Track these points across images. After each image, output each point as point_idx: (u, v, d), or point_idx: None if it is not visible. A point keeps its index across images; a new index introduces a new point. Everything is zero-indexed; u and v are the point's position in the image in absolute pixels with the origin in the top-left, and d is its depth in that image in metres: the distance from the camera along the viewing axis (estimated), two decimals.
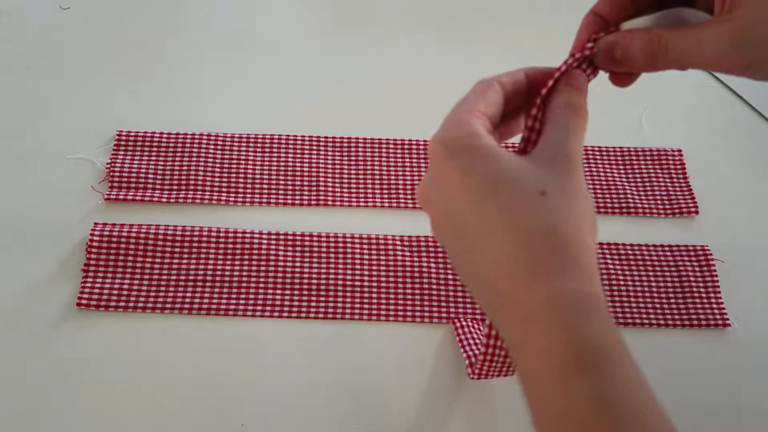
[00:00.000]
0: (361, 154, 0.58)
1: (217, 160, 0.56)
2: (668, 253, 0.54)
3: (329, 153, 0.58)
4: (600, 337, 0.28)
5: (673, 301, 0.52)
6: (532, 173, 0.30)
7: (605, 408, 0.26)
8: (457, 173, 0.30)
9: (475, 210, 0.30)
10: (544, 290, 0.28)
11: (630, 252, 0.54)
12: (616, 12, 0.36)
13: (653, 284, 0.52)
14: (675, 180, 0.58)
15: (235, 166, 0.56)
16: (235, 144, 0.58)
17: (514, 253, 0.29)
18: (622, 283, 0.52)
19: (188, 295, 0.50)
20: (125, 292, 0.50)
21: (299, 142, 0.58)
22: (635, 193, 0.57)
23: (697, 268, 0.53)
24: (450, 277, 0.52)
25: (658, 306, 0.51)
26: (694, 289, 0.52)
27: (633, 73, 0.36)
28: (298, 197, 0.55)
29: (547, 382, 0.28)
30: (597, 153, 0.59)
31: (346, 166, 0.57)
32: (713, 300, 0.52)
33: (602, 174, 0.58)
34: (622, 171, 0.58)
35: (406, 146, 0.59)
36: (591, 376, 0.27)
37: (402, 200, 0.56)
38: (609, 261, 0.53)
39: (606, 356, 0.27)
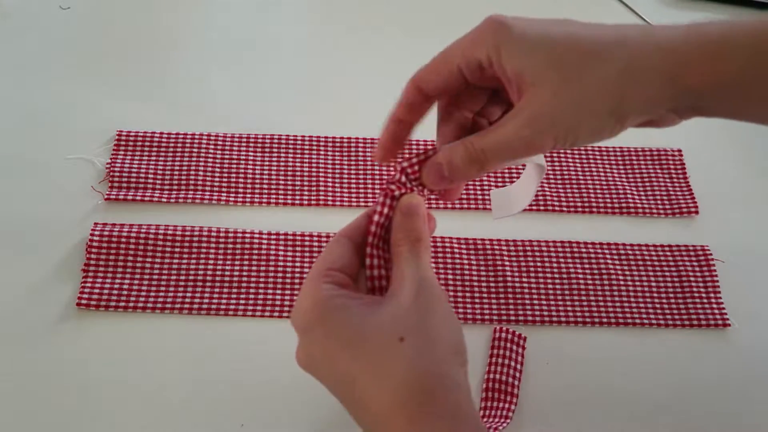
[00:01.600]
0: (360, 154, 0.58)
1: (217, 160, 0.56)
2: (668, 253, 0.54)
3: (329, 153, 0.58)
4: None
5: (673, 301, 0.52)
6: (387, 322, 0.31)
7: None
8: (321, 338, 0.32)
9: (346, 371, 0.32)
10: None
11: (630, 252, 0.54)
12: (416, 113, 0.38)
13: (653, 284, 0.52)
14: (675, 180, 0.58)
15: (235, 166, 0.56)
16: (235, 144, 0.58)
17: (389, 407, 0.30)
18: (622, 283, 0.52)
19: (188, 295, 0.50)
20: (125, 292, 0.50)
21: (299, 142, 0.58)
22: (635, 193, 0.57)
23: (697, 268, 0.53)
24: (450, 277, 0.52)
25: (658, 306, 0.51)
26: (694, 289, 0.52)
27: (454, 188, 0.37)
28: (298, 197, 0.55)
29: None
30: (597, 153, 0.59)
31: (345, 166, 0.57)
32: (713, 300, 0.52)
33: (602, 174, 0.58)
34: (622, 171, 0.58)
35: (406, 146, 0.58)
36: None
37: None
38: (609, 261, 0.53)
39: None
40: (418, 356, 0.31)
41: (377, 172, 0.57)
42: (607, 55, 0.32)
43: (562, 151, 0.59)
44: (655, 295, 0.52)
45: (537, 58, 0.32)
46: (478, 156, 0.34)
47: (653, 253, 0.54)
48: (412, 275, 0.33)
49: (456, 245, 0.53)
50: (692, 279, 0.53)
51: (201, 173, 0.56)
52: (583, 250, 0.54)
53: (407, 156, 0.36)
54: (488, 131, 0.34)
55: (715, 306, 0.51)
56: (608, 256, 0.53)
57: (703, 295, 0.52)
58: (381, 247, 0.35)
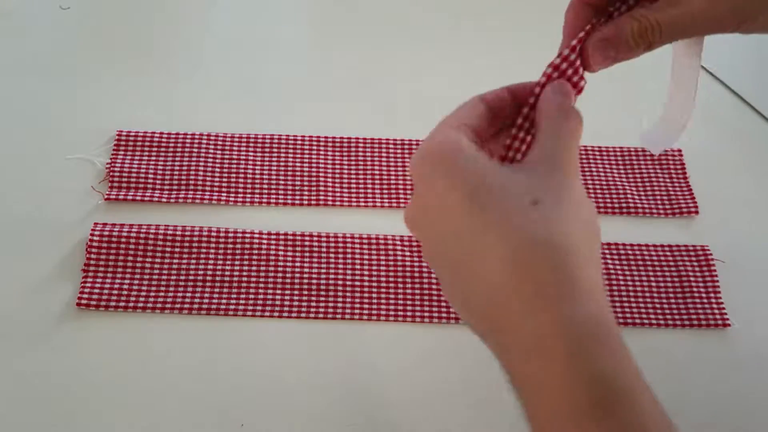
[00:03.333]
0: (360, 154, 0.58)
1: (217, 160, 0.56)
2: (668, 253, 0.54)
3: (329, 153, 0.58)
4: (616, 372, 0.25)
5: (673, 301, 0.52)
6: (522, 181, 0.28)
7: None
8: (441, 188, 0.29)
9: (463, 227, 0.28)
10: (547, 317, 0.25)
11: (630, 252, 0.54)
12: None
13: (653, 284, 0.52)
14: (675, 180, 0.58)
15: (235, 166, 0.56)
16: (235, 144, 0.58)
17: (509, 274, 0.26)
18: (622, 283, 0.52)
19: (188, 295, 0.50)
20: (125, 292, 0.50)
21: (299, 142, 0.58)
22: (635, 193, 0.57)
23: (697, 268, 0.53)
24: None
25: (658, 306, 0.51)
26: (694, 289, 0.52)
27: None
28: (298, 197, 0.55)
29: (557, 429, 0.25)
30: (597, 153, 0.59)
31: (346, 166, 0.57)
32: (713, 300, 0.52)
33: (602, 174, 0.58)
34: (623, 171, 0.58)
35: (406, 146, 0.59)
36: (609, 423, 0.24)
37: (402, 200, 0.56)
38: (609, 261, 0.53)
39: (625, 396, 0.25)
40: (553, 219, 0.27)
41: (377, 172, 0.57)
42: None
43: None
44: (655, 295, 0.52)
45: None
46: (654, 29, 0.31)
47: (653, 253, 0.54)
48: (552, 148, 0.29)
49: None
50: (692, 279, 0.53)
51: (201, 173, 0.56)
52: None
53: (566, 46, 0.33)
54: (666, 5, 0.32)
55: (715, 306, 0.51)
56: (608, 256, 0.53)
57: (703, 295, 0.52)
58: (525, 116, 0.32)
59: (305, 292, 0.51)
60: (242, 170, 0.56)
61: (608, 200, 0.57)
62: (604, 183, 0.57)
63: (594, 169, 0.58)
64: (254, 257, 0.52)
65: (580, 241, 0.27)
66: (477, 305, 0.28)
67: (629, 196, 0.57)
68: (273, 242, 0.53)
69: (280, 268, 0.51)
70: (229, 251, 0.52)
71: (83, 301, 0.49)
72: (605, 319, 0.26)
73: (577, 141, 0.30)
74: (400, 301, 0.51)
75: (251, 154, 0.57)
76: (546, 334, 0.25)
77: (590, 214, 0.29)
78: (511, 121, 0.33)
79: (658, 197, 0.57)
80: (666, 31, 0.32)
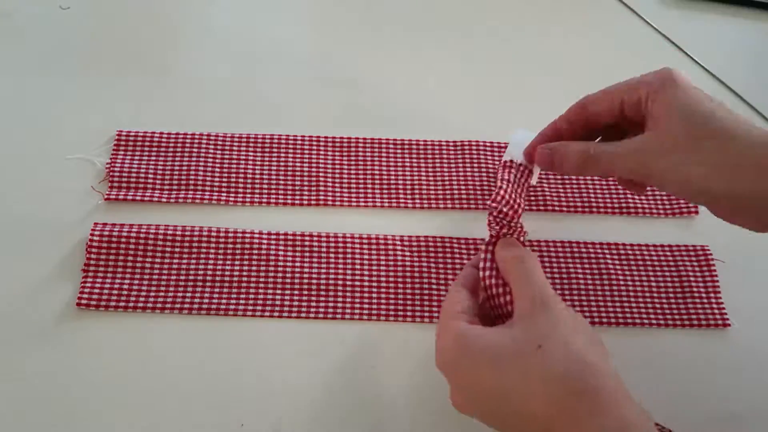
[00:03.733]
0: (361, 154, 0.58)
1: (217, 160, 0.57)
2: (668, 253, 0.54)
3: (329, 153, 0.58)
4: None
5: (673, 301, 0.52)
6: (521, 335, 0.35)
7: None
8: (468, 372, 0.36)
9: (498, 390, 0.35)
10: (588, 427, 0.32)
11: (630, 252, 0.54)
12: (570, 128, 0.43)
13: (653, 284, 0.52)
14: None
15: (235, 166, 0.56)
16: (235, 144, 0.58)
17: (547, 407, 0.33)
18: (622, 283, 0.52)
19: (188, 295, 0.50)
20: (125, 292, 0.50)
21: (299, 142, 0.58)
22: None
23: (697, 268, 0.53)
24: (450, 277, 0.52)
25: (658, 306, 0.51)
26: (694, 289, 0.52)
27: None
28: (298, 197, 0.55)
29: None
30: None
31: (346, 166, 0.57)
32: (713, 300, 0.52)
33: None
34: None
35: (405, 146, 0.59)
36: None
37: (402, 200, 0.56)
38: (609, 261, 0.53)
39: None
40: (560, 355, 0.34)
41: (377, 172, 0.57)
42: (726, 150, 0.37)
43: None
44: (655, 295, 0.52)
45: (679, 117, 0.38)
46: (589, 160, 0.40)
47: (653, 253, 0.54)
48: (528, 292, 0.37)
49: (456, 245, 0.53)
50: (692, 279, 0.53)
51: (201, 173, 0.56)
52: (583, 250, 0.54)
53: (497, 203, 0.41)
54: (608, 144, 0.40)
55: (715, 306, 0.51)
56: (608, 256, 0.53)
57: (703, 295, 0.52)
58: (495, 284, 0.40)
59: (305, 292, 0.51)
60: (242, 170, 0.56)
61: (608, 200, 0.57)
62: (604, 183, 0.57)
63: None
64: (254, 257, 0.52)
65: (592, 359, 0.34)
66: None
67: (629, 196, 0.57)
68: (273, 242, 0.53)
69: (280, 268, 0.51)
70: (229, 251, 0.52)
71: (83, 301, 0.49)
72: (636, 425, 0.32)
73: (539, 270, 0.38)
74: (400, 301, 0.51)
75: (251, 154, 0.57)
76: None
77: (584, 329, 0.36)
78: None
79: (658, 197, 0.57)
80: (602, 164, 0.40)
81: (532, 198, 0.56)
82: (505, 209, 0.41)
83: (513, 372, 0.34)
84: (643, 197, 0.57)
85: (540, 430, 0.34)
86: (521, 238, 0.42)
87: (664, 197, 0.57)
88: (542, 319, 0.35)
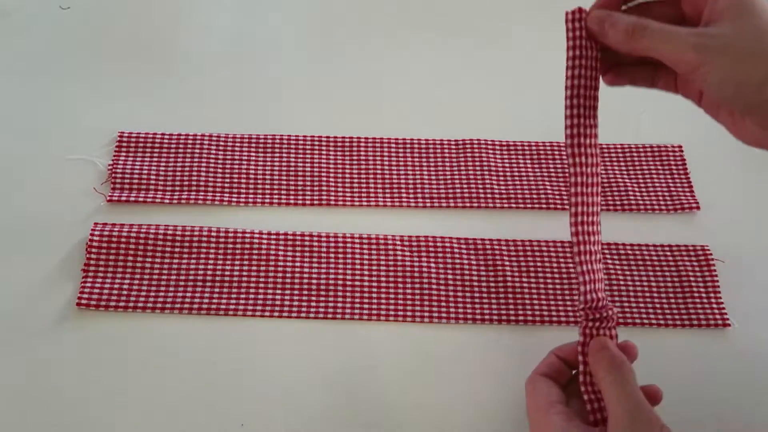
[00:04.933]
0: (362, 153, 0.58)
1: (219, 161, 0.57)
2: (668, 253, 0.54)
3: (330, 153, 0.58)
4: None
5: (673, 301, 0.52)
6: None
7: None
8: None
9: None
10: None
11: (630, 252, 0.54)
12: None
13: (653, 284, 0.52)
14: (676, 176, 0.58)
15: (236, 166, 0.56)
16: (236, 144, 0.58)
17: None
18: (622, 283, 0.52)
19: (188, 295, 0.50)
20: (125, 292, 0.50)
21: (300, 142, 0.58)
22: (636, 189, 0.57)
23: (697, 268, 0.53)
24: (450, 277, 0.52)
25: (658, 306, 0.51)
26: (694, 289, 0.52)
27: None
28: (300, 197, 0.55)
29: None
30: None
31: (347, 166, 0.57)
32: (713, 300, 0.52)
33: (603, 172, 0.58)
34: (624, 168, 0.58)
35: (407, 145, 0.59)
36: None
37: (403, 200, 0.56)
38: (609, 261, 0.53)
39: None
40: None
41: (378, 172, 0.57)
42: None
43: (563, 146, 0.59)
44: (655, 295, 0.52)
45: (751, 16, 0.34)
46: (641, 25, 0.35)
47: (653, 252, 0.54)
48: (623, 406, 0.36)
49: (456, 245, 0.53)
50: (692, 279, 0.52)
51: (203, 174, 0.56)
52: None
53: (586, 307, 0.40)
54: (663, 24, 0.35)
55: (715, 306, 0.51)
56: (608, 256, 0.53)
57: (703, 295, 0.52)
58: (590, 382, 0.40)
59: (305, 292, 0.51)
60: (243, 171, 0.56)
61: (609, 198, 0.57)
62: (605, 181, 0.57)
63: None
64: (254, 257, 0.52)
65: None
66: None
67: (630, 193, 0.57)
68: (273, 242, 0.53)
69: (280, 268, 0.51)
70: (229, 251, 0.52)
71: (83, 301, 0.49)
72: None
73: (634, 380, 0.38)
74: (400, 301, 0.51)
75: (252, 154, 0.57)
76: None
77: None
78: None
79: (659, 194, 0.57)
80: (648, 37, 0.36)
81: (533, 197, 0.56)
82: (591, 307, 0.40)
83: None
84: (644, 194, 0.57)
85: None
86: (612, 331, 0.41)
87: (665, 193, 0.57)
88: None
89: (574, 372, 0.42)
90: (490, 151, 0.58)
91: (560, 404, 0.39)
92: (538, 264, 0.53)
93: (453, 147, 0.58)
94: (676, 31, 0.35)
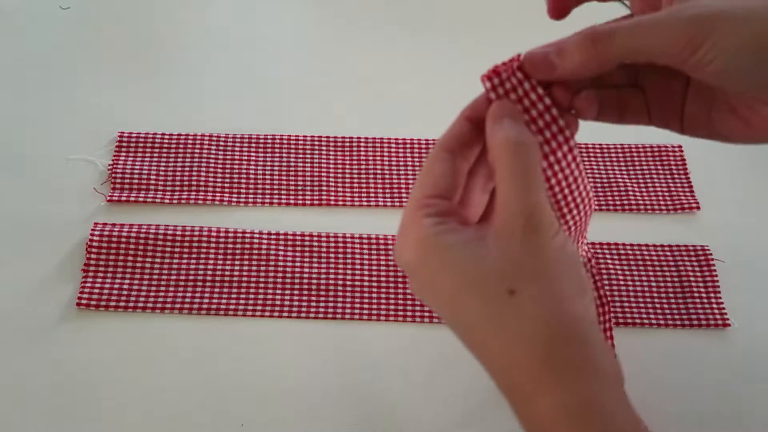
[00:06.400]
0: (363, 153, 0.58)
1: (219, 161, 0.57)
2: (668, 253, 0.54)
3: (330, 153, 0.58)
4: None
5: (673, 301, 0.52)
6: (494, 270, 0.28)
7: None
8: (426, 286, 0.30)
9: (461, 317, 0.29)
10: (542, 409, 0.27)
11: (630, 252, 0.54)
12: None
13: (653, 284, 0.52)
14: (676, 176, 0.58)
15: (237, 166, 0.56)
16: (237, 144, 0.58)
17: (511, 361, 0.28)
18: (622, 283, 0.52)
19: (188, 295, 0.50)
20: (125, 292, 0.50)
21: (300, 142, 0.58)
22: (636, 189, 0.57)
23: (697, 268, 0.53)
24: None
25: (658, 306, 0.51)
26: (694, 289, 0.52)
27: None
28: (300, 197, 0.55)
29: None
30: (598, 150, 0.59)
31: (348, 166, 0.57)
32: (713, 300, 0.52)
33: (603, 172, 0.58)
34: (623, 168, 0.58)
35: (407, 145, 0.59)
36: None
37: (403, 200, 0.56)
38: (609, 261, 0.53)
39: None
40: (535, 308, 0.27)
41: (378, 172, 0.57)
42: None
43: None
44: (655, 295, 0.52)
45: None
46: (602, 38, 0.29)
47: (653, 252, 0.54)
48: (516, 205, 0.28)
49: None
50: (692, 279, 0.52)
51: (203, 174, 0.56)
52: None
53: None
54: (629, 19, 0.29)
55: (715, 306, 0.51)
56: (608, 256, 0.53)
57: (703, 295, 0.52)
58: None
59: (305, 292, 0.51)
60: (244, 171, 0.56)
61: (609, 198, 0.57)
62: (605, 181, 0.57)
63: (595, 167, 0.58)
64: (254, 257, 0.52)
65: (568, 317, 0.27)
66: (491, 372, 0.30)
67: (630, 193, 0.57)
68: (273, 242, 0.53)
69: (280, 268, 0.51)
70: (229, 251, 0.52)
71: (83, 301, 0.49)
72: (603, 407, 0.27)
73: (536, 168, 0.29)
74: (400, 301, 0.51)
75: (252, 154, 0.57)
76: (547, 419, 0.27)
77: (574, 274, 0.29)
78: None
79: (659, 193, 0.57)
80: (619, 41, 0.29)
81: None
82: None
83: (479, 313, 0.28)
84: (644, 194, 0.57)
85: (497, 370, 0.29)
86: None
87: (665, 193, 0.57)
88: (525, 248, 0.28)
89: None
90: None
91: (442, 198, 0.30)
92: None
93: None
94: (654, 15, 0.28)
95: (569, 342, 0.27)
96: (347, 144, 0.58)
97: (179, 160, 0.56)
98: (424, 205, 0.30)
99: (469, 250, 0.28)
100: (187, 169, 0.56)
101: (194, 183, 0.55)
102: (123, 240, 0.51)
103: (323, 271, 0.52)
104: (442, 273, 0.29)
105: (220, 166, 0.56)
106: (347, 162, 0.57)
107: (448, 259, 0.29)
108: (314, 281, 0.51)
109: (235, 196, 0.55)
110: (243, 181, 0.56)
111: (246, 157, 0.57)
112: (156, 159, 0.56)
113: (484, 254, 0.28)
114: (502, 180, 0.29)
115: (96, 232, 0.51)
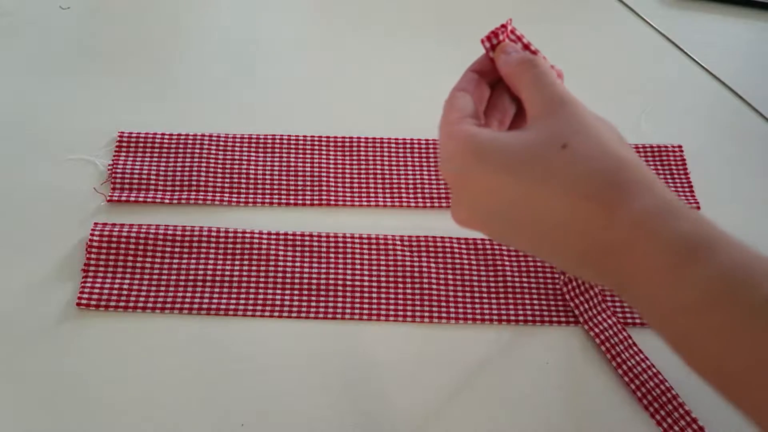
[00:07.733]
0: (363, 153, 0.58)
1: (219, 161, 0.57)
2: None
3: (330, 153, 0.58)
4: (700, 229, 0.28)
5: None
6: (544, 135, 0.31)
7: (724, 288, 0.26)
8: (480, 177, 0.32)
9: (520, 197, 0.31)
10: (626, 216, 0.28)
11: None
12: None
13: None
14: (676, 176, 0.58)
15: (237, 166, 0.56)
16: (236, 144, 0.58)
17: (574, 208, 0.29)
18: None
19: (188, 295, 0.50)
20: (125, 292, 0.50)
21: (300, 142, 0.58)
22: None
23: None
24: (450, 277, 0.52)
25: None
26: None
27: None
28: (300, 197, 0.55)
29: (657, 281, 0.28)
30: None
31: (348, 166, 0.57)
32: None
33: None
34: None
35: (408, 145, 0.59)
36: (703, 262, 0.27)
37: (404, 200, 0.56)
38: None
39: (713, 241, 0.27)
40: (592, 152, 0.30)
41: (378, 172, 0.57)
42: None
43: None
44: None
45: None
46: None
47: None
48: (541, 94, 0.33)
49: (456, 245, 0.53)
50: None
51: (203, 174, 0.56)
52: None
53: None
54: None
55: None
56: None
57: None
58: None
59: (305, 292, 0.51)
60: (244, 170, 0.56)
61: None
62: None
63: None
64: (254, 257, 0.52)
65: (619, 153, 0.30)
66: (564, 249, 0.31)
67: None
68: (273, 242, 0.53)
69: (280, 268, 0.51)
70: (229, 251, 0.52)
71: (83, 301, 0.49)
72: (672, 202, 0.29)
73: (553, 75, 0.33)
74: (400, 301, 0.51)
75: (252, 154, 0.57)
76: (629, 228, 0.28)
77: (608, 127, 0.32)
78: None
79: None
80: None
81: None
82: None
83: (536, 177, 0.30)
84: None
85: (567, 232, 0.30)
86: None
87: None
88: (563, 116, 0.31)
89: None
90: None
91: (474, 117, 0.34)
92: (538, 264, 0.53)
93: None
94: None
95: (628, 168, 0.30)
96: (347, 144, 0.58)
97: (179, 160, 0.56)
98: (460, 121, 0.33)
99: (515, 136, 0.32)
100: (187, 169, 0.56)
101: (194, 183, 0.55)
102: (123, 240, 0.51)
103: (323, 271, 0.52)
104: (496, 156, 0.31)
105: (220, 166, 0.56)
106: (347, 162, 0.58)
107: (499, 144, 0.31)
108: (314, 281, 0.51)
109: (235, 196, 0.55)
110: (243, 181, 0.56)
111: (246, 157, 0.57)
112: (156, 159, 0.56)
113: (531, 130, 0.32)
114: (527, 86, 0.33)
115: (96, 232, 0.51)
